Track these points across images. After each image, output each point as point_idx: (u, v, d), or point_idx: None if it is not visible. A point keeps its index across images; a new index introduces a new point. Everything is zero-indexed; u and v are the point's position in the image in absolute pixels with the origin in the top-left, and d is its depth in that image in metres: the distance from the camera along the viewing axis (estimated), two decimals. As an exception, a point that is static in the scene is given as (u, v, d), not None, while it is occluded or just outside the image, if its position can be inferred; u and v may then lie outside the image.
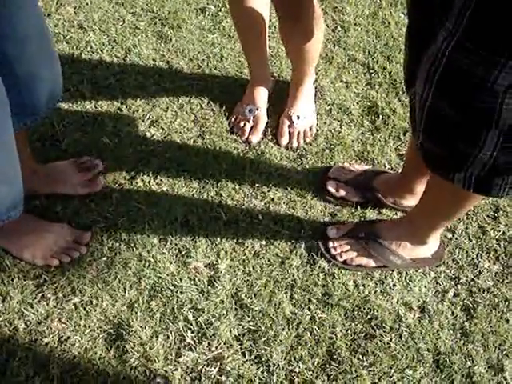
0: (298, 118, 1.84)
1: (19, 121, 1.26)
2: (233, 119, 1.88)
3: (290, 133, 1.84)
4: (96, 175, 1.68)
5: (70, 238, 1.56)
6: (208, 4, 2.26)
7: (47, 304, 1.46)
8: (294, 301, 1.50)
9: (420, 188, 1.56)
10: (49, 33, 1.25)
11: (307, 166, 1.78)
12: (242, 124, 1.85)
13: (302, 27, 1.55)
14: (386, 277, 1.55)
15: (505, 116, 0.94)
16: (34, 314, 1.44)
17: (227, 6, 2.26)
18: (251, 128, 1.84)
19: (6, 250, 1.54)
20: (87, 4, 2.22)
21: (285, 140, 1.84)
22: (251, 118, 1.84)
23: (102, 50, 2.06)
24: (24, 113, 1.27)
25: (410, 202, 1.64)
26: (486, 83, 0.91)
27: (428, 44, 1.00)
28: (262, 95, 1.89)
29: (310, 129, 1.86)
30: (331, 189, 1.69)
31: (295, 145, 1.83)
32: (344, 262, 1.56)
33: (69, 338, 1.41)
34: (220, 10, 2.24)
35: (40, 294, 1.48)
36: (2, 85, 1.06)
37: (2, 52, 1.10)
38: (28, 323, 1.43)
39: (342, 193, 1.69)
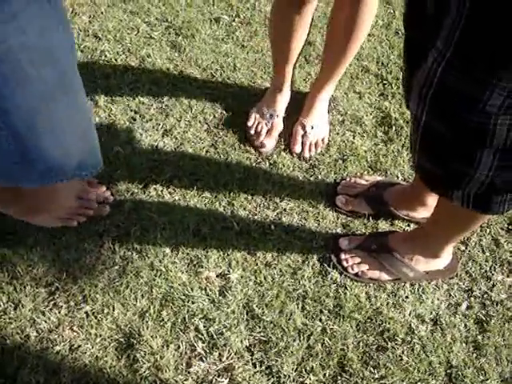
0: (312, 127, 1.84)
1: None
2: (251, 120, 1.88)
3: (302, 142, 1.84)
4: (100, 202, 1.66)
5: (87, 195, 1.59)
6: (222, 14, 2.27)
7: (59, 312, 1.46)
8: (306, 312, 1.50)
9: (432, 200, 1.56)
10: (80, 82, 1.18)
11: (320, 177, 1.78)
12: (260, 126, 1.85)
13: (357, 16, 1.56)
14: (398, 289, 1.54)
15: (499, 135, 0.94)
16: (45, 321, 1.45)
17: (241, 16, 2.27)
18: (266, 132, 1.85)
19: (20, 219, 1.55)
20: (102, 13, 2.24)
21: (298, 148, 1.84)
22: (270, 122, 1.85)
23: (116, 59, 2.07)
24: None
25: (423, 214, 1.64)
26: (479, 104, 0.90)
27: (419, 63, 0.99)
28: (283, 102, 1.90)
29: (323, 139, 1.86)
30: (340, 204, 1.69)
31: (307, 154, 1.83)
32: (356, 274, 1.55)
33: (80, 346, 1.41)
34: (234, 20, 2.25)
35: (52, 302, 1.48)
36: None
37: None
38: (39, 331, 1.43)
39: (352, 207, 1.69)
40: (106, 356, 1.40)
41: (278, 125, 1.88)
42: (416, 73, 1.01)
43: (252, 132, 1.86)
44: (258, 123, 1.87)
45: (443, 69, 0.91)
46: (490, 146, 0.96)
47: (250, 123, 1.88)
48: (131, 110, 1.91)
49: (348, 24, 1.61)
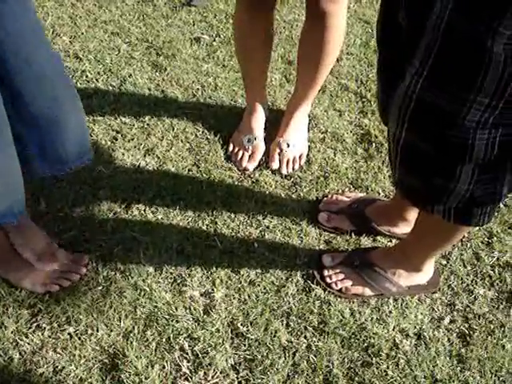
0: (288, 145, 1.86)
1: (43, 168, 1.25)
2: (230, 148, 1.89)
3: (280, 160, 1.86)
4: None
5: (68, 263, 1.55)
6: (202, 34, 2.29)
7: (42, 334, 1.45)
8: (290, 329, 1.50)
9: (412, 215, 1.58)
10: (69, 79, 1.23)
11: (302, 194, 1.79)
12: (240, 153, 1.86)
13: (328, 26, 1.58)
14: (382, 304, 1.55)
15: (478, 150, 0.96)
16: (28, 343, 1.43)
17: (221, 35, 2.29)
18: (249, 157, 1.86)
19: (4, 279, 1.53)
20: (82, 34, 2.25)
21: (275, 165, 1.86)
22: (249, 147, 1.86)
23: (97, 80, 2.08)
24: (48, 161, 1.24)
25: (404, 229, 1.65)
26: (457, 119, 0.92)
27: (397, 82, 1.01)
28: (259, 124, 1.91)
29: (300, 156, 1.87)
30: (322, 220, 1.70)
31: (285, 171, 1.85)
32: (339, 290, 1.56)
33: (64, 368, 1.40)
34: (214, 40, 2.27)
35: (35, 324, 1.46)
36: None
37: (18, 91, 1.08)
38: (23, 353, 1.42)
39: (334, 224, 1.70)
40: (91, 377, 1.39)
41: (260, 147, 1.89)
42: (394, 91, 1.03)
43: (233, 159, 1.88)
44: (238, 150, 1.88)
45: (421, 86, 0.93)
46: (470, 161, 0.98)
47: (229, 152, 1.90)
48: (113, 130, 1.91)
49: (316, 45, 1.65)
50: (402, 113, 1.00)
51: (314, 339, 1.48)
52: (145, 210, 1.71)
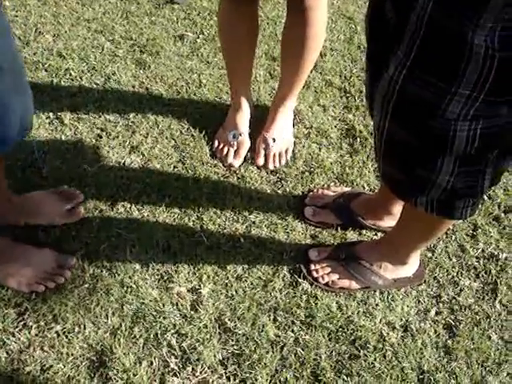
0: (274, 140, 1.86)
1: None
2: (215, 145, 1.89)
3: (265, 155, 1.86)
4: (76, 205, 1.68)
5: (54, 263, 1.54)
6: (186, 31, 2.29)
7: (29, 332, 1.44)
8: (278, 323, 1.50)
9: (397, 209, 1.59)
10: (21, 62, 1.25)
11: (287, 189, 1.80)
12: (225, 150, 1.86)
13: (309, 20, 1.58)
14: (368, 297, 1.56)
15: (459, 142, 0.96)
16: (15, 342, 1.42)
17: (205, 33, 2.29)
18: (234, 153, 1.86)
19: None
20: (66, 32, 2.24)
21: (261, 161, 1.86)
22: (235, 143, 1.86)
23: (81, 78, 2.07)
24: None
25: (389, 222, 1.66)
26: (438, 111, 0.93)
27: (381, 73, 1.02)
28: (244, 120, 1.91)
29: (286, 151, 1.88)
30: (308, 215, 1.71)
31: (271, 166, 1.85)
32: (326, 284, 1.56)
33: (51, 366, 1.39)
34: (198, 37, 2.27)
35: (22, 323, 1.46)
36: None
37: None
38: (10, 352, 1.41)
39: (320, 218, 1.70)
40: (79, 375, 1.39)
41: (245, 143, 1.89)
42: (378, 83, 1.04)
43: (219, 156, 1.88)
44: (224, 146, 1.88)
45: (404, 76, 0.93)
46: (451, 153, 0.99)
47: (214, 149, 1.90)
48: (97, 128, 1.90)
49: (298, 41, 1.65)
50: (386, 103, 1.01)
51: (302, 333, 1.48)
52: (131, 208, 1.70)
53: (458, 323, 1.53)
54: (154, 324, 1.47)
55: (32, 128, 1.36)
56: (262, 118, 1.93)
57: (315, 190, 1.78)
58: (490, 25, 0.80)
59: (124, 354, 1.41)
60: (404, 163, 1.11)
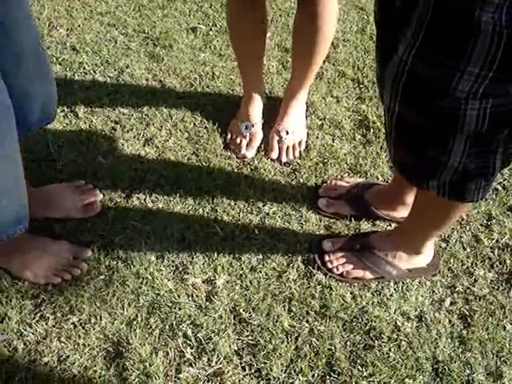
0: (287, 133, 1.86)
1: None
2: (228, 136, 1.90)
3: (279, 147, 1.86)
4: (93, 201, 1.69)
5: (70, 255, 1.56)
6: (199, 24, 2.29)
7: (46, 323, 1.46)
8: (292, 314, 1.51)
9: (411, 199, 1.58)
10: (44, 51, 1.26)
11: (301, 180, 1.80)
12: (238, 141, 1.87)
13: (320, 11, 1.58)
14: (382, 287, 1.56)
15: (469, 121, 0.96)
16: (32, 333, 1.44)
17: (217, 25, 2.29)
18: (247, 144, 1.86)
19: (6, 269, 1.54)
20: (79, 26, 2.25)
21: (274, 154, 1.86)
22: (247, 134, 1.86)
23: (94, 71, 2.08)
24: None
25: (402, 213, 1.66)
26: (448, 90, 0.93)
27: (391, 54, 1.02)
28: (256, 111, 1.91)
29: (300, 143, 1.88)
30: (322, 206, 1.71)
31: (284, 159, 1.85)
32: (341, 274, 1.57)
33: (68, 356, 1.41)
34: (211, 30, 2.27)
35: (39, 314, 1.47)
36: (7, 95, 1.07)
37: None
38: (27, 343, 1.43)
39: (333, 209, 1.71)
40: (95, 366, 1.40)
41: (257, 134, 1.90)
42: (387, 66, 1.04)
43: (232, 147, 1.88)
44: (236, 138, 1.88)
45: (413, 57, 0.94)
46: (461, 132, 0.99)
47: (227, 140, 1.90)
48: (111, 121, 1.92)
49: (309, 32, 1.65)
50: (396, 84, 1.01)
51: (316, 323, 1.49)
52: (145, 200, 1.72)
53: (472, 313, 1.53)
54: (169, 315, 1.48)
55: (56, 115, 1.38)
56: (275, 110, 1.94)
57: (329, 181, 1.78)
58: (497, 1, 0.81)
59: (140, 344, 1.43)
60: (415, 146, 1.11)
